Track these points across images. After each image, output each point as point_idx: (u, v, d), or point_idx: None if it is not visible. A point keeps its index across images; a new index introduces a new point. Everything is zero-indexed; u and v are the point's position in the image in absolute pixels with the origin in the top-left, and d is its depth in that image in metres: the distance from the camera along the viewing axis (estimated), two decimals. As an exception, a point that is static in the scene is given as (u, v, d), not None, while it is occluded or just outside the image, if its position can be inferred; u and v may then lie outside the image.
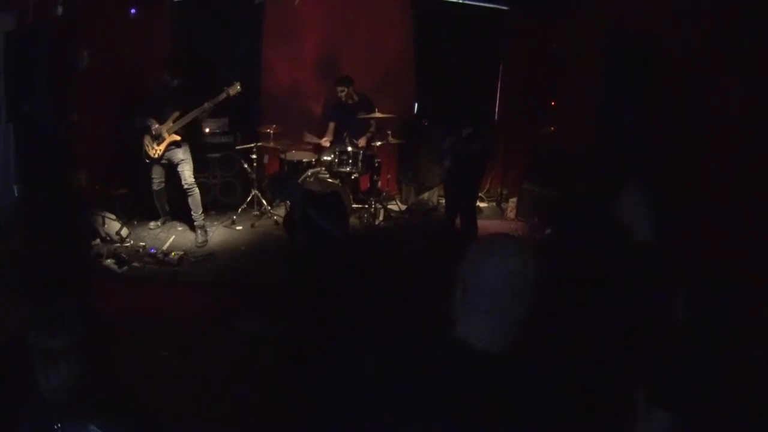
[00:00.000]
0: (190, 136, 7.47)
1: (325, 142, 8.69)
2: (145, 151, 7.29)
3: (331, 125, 8.77)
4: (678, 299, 2.83)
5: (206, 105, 7.18)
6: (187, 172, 7.39)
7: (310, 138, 8.80)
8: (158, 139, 7.17)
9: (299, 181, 7.24)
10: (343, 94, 8.44)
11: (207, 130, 8.52)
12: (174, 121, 7.15)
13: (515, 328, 1.79)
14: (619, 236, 3.43)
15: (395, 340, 1.90)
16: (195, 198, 7.48)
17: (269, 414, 4.61)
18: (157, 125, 7.14)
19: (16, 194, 5.94)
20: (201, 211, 7.57)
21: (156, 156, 7.27)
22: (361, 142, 8.46)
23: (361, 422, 1.79)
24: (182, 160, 7.34)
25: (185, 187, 7.41)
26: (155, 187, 7.63)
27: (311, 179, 7.88)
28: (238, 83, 7.28)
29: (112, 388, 2.18)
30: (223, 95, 7.23)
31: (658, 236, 3.29)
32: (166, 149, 7.25)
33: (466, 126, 6.72)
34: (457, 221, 7.26)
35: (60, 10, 6.15)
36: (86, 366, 2.09)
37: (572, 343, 3.93)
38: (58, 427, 2.10)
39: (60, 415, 2.10)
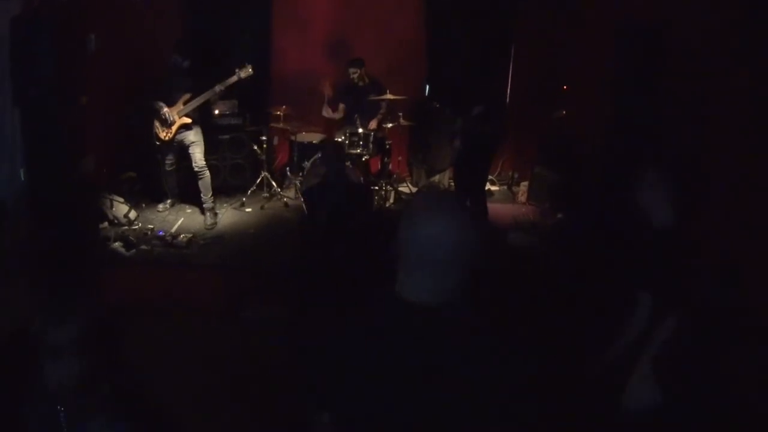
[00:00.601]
0: (201, 118, 7.44)
1: (327, 112, 8.66)
2: (156, 133, 7.27)
3: (341, 107, 8.73)
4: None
5: (216, 87, 7.13)
6: (198, 155, 7.37)
7: (328, 112, 8.74)
8: (168, 122, 7.13)
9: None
10: (355, 76, 8.38)
11: (216, 111, 8.50)
12: (184, 104, 7.12)
13: (451, 282, 1.81)
14: (636, 220, 3.43)
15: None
16: (205, 181, 7.46)
17: (277, 401, 4.62)
18: (166, 109, 7.09)
19: (23, 179, 5.95)
20: (211, 194, 7.55)
21: (167, 139, 7.25)
22: (372, 124, 8.41)
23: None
24: (193, 142, 7.33)
25: (196, 169, 7.39)
26: (167, 168, 7.63)
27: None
28: (249, 66, 7.22)
29: (117, 380, 2.18)
30: (234, 78, 7.19)
31: (675, 221, 3.26)
32: (177, 132, 7.23)
33: (477, 105, 6.67)
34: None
35: (66, -6, 6.13)
36: (91, 359, 2.08)
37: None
38: (62, 415, 2.12)
39: (64, 406, 2.11)
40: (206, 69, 7.42)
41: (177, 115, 7.13)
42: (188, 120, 7.20)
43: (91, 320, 2.12)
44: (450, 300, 1.80)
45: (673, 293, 3.12)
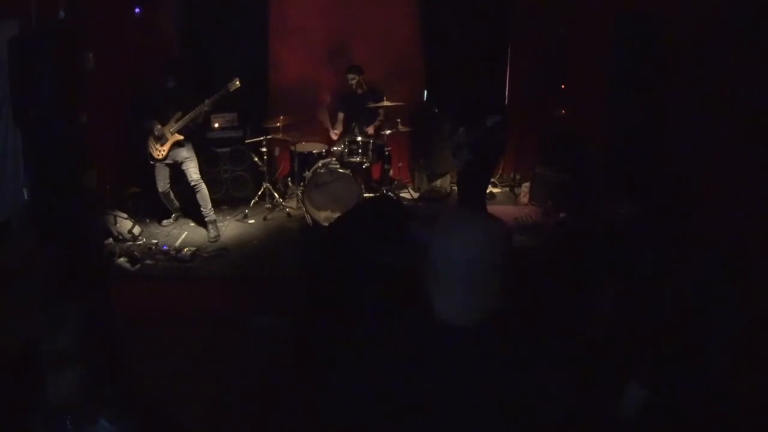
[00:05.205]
0: (193, 134, 7.46)
1: (334, 135, 8.72)
2: (150, 152, 7.31)
3: (341, 115, 8.77)
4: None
5: (206, 102, 7.17)
6: (192, 170, 7.41)
7: (324, 118, 8.82)
8: (161, 140, 7.19)
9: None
10: (353, 82, 8.44)
11: (216, 125, 8.56)
12: (176, 122, 7.17)
13: (490, 303, 1.78)
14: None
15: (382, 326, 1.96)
16: (203, 194, 7.49)
17: (283, 408, 4.64)
18: (159, 126, 7.15)
19: (27, 197, 5.98)
20: (210, 206, 7.57)
21: (160, 157, 7.29)
22: (370, 129, 8.44)
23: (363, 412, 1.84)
24: (186, 158, 7.37)
25: (192, 184, 7.43)
26: (161, 188, 7.61)
27: (322, 170, 7.84)
28: (237, 79, 7.24)
29: (121, 382, 2.19)
30: (222, 92, 7.22)
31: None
32: (170, 149, 7.27)
33: (491, 116, 6.63)
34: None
35: (62, 14, 6.15)
36: (92, 365, 2.10)
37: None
38: (68, 422, 2.14)
39: (70, 412, 2.13)
40: (196, 86, 7.44)
41: (169, 132, 7.17)
42: (180, 137, 7.23)
43: (88, 326, 2.13)
44: (485, 319, 1.77)
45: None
